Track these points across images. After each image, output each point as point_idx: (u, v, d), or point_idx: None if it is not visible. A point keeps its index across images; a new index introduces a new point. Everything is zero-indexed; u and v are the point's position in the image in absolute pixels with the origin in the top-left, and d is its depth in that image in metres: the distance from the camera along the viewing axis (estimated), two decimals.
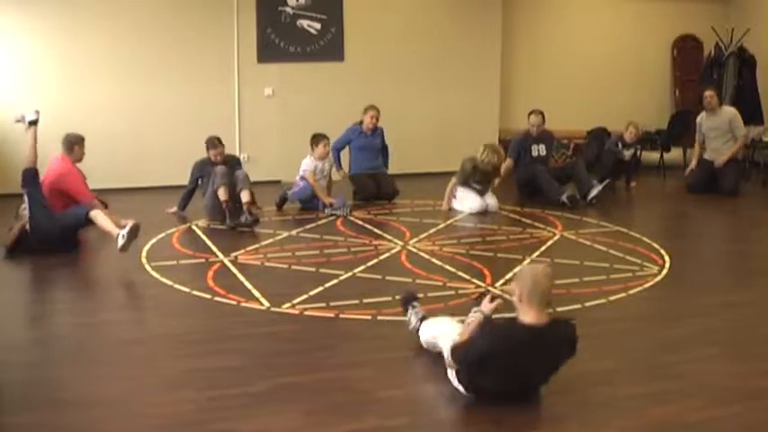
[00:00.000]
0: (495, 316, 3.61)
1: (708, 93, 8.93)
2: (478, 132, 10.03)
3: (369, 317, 4.66)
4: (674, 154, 10.05)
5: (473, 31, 9.94)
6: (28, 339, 4.44)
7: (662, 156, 10.08)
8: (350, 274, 5.54)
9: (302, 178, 7.71)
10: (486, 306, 3.63)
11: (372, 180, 8.23)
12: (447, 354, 3.55)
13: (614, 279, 5.49)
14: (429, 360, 4.03)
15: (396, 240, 6.51)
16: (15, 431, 3.29)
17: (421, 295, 4.98)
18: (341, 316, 4.68)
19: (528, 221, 7.28)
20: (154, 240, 6.44)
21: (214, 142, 7.30)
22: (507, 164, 8.32)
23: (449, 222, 7.27)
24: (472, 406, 3.50)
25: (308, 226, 7.07)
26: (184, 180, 7.51)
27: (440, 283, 5.32)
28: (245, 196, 6.96)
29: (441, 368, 3.78)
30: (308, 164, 7.74)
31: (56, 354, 4.20)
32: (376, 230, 6.88)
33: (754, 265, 6.31)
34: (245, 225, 6.80)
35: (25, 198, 6.06)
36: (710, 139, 8.89)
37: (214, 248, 6.24)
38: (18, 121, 6.40)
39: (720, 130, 8.78)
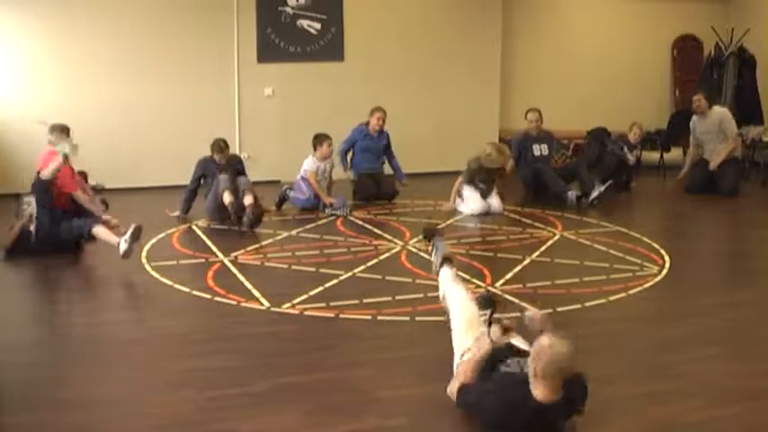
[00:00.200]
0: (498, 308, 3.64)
1: (696, 97, 8.97)
2: (478, 132, 10.03)
3: (369, 317, 4.66)
4: (674, 154, 10.05)
5: (473, 31, 9.94)
6: (28, 339, 4.44)
7: (662, 156, 10.09)
8: (350, 274, 5.54)
9: (303, 179, 7.70)
10: (497, 335, 3.50)
11: (372, 180, 8.22)
12: (451, 384, 3.46)
13: (614, 279, 5.49)
14: (429, 360, 4.03)
15: (396, 240, 6.51)
16: (15, 431, 3.29)
17: (421, 295, 5.00)
18: (341, 316, 4.68)
19: (528, 221, 7.28)
20: (154, 240, 6.44)
21: (221, 146, 7.22)
22: (509, 164, 8.33)
23: (449, 222, 7.27)
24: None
25: (308, 226, 7.07)
26: (184, 180, 7.51)
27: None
28: (248, 200, 6.90)
29: (441, 368, 3.79)
30: (309, 164, 7.73)
31: (56, 354, 4.21)
32: (376, 230, 6.88)
33: (754, 265, 6.31)
34: (249, 224, 6.74)
35: (33, 201, 6.01)
36: (705, 141, 8.91)
37: (214, 248, 6.24)
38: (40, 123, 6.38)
39: (713, 133, 8.79)
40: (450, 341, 3.77)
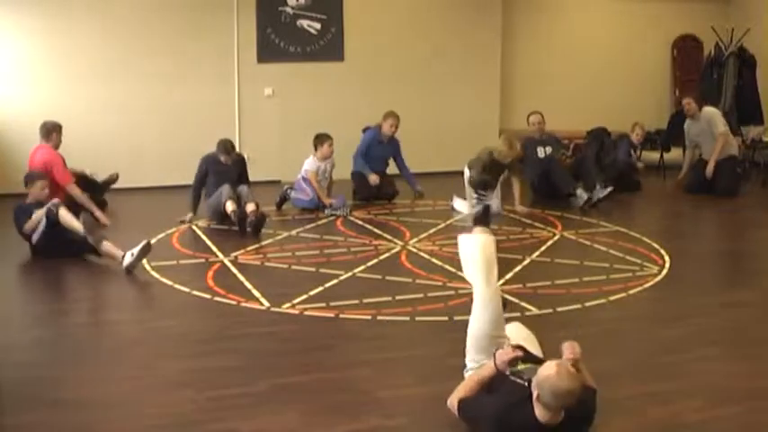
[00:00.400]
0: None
1: (685, 100, 9.02)
2: (478, 132, 10.02)
3: (369, 317, 4.66)
4: (674, 154, 10.04)
5: (473, 32, 9.94)
6: (28, 339, 4.44)
7: (662, 156, 10.08)
8: (350, 274, 5.54)
9: (304, 179, 7.70)
10: (502, 359, 3.30)
11: (360, 180, 8.21)
12: (452, 397, 3.35)
13: (614, 279, 5.49)
14: (429, 360, 4.04)
15: (396, 240, 6.51)
16: (15, 431, 3.29)
17: (421, 295, 5.00)
18: (341, 316, 4.68)
19: (528, 221, 7.28)
20: (154, 240, 6.42)
21: (227, 148, 7.16)
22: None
23: (449, 222, 7.27)
24: None
25: (308, 226, 7.06)
26: (184, 180, 7.51)
27: (440, 283, 5.32)
28: (250, 207, 6.86)
29: (441, 368, 3.79)
30: (310, 164, 7.73)
31: (56, 354, 4.20)
32: (376, 230, 6.88)
33: (754, 265, 6.31)
34: (252, 225, 6.67)
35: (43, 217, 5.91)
36: (701, 142, 8.92)
37: (214, 248, 6.23)
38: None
39: (706, 134, 8.81)
40: (450, 340, 3.76)
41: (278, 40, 9.20)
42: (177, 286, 5.25)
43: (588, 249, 6.34)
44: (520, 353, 3.32)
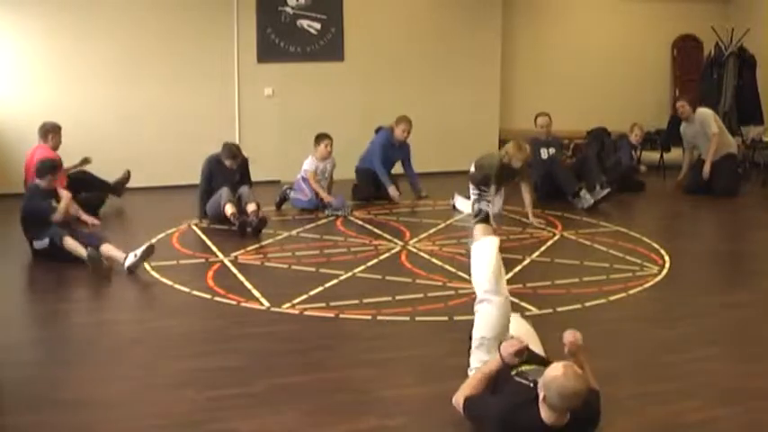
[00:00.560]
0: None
1: (679, 104, 9.03)
2: (479, 132, 10.03)
3: (369, 317, 4.66)
4: (674, 154, 10.04)
5: (473, 31, 9.93)
6: (28, 339, 4.45)
7: (662, 156, 10.08)
8: (350, 274, 5.54)
9: (304, 179, 7.70)
10: (507, 351, 3.30)
11: (374, 178, 8.20)
12: (457, 394, 3.34)
13: (614, 279, 5.49)
14: (429, 360, 4.03)
15: (396, 240, 6.51)
16: (15, 431, 3.30)
17: (421, 295, 5.00)
18: (341, 316, 4.68)
19: (528, 221, 7.28)
20: (154, 240, 6.42)
21: (233, 152, 7.09)
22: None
23: (449, 222, 7.27)
24: None
25: (308, 226, 7.06)
26: (184, 180, 7.50)
27: (440, 283, 5.32)
28: (251, 208, 6.85)
29: (441, 368, 3.78)
30: (309, 164, 7.73)
31: (56, 354, 4.21)
32: (376, 230, 6.88)
33: (753, 266, 6.31)
34: (253, 227, 6.65)
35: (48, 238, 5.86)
36: (698, 144, 8.92)
37: (214, 248, 6.23)
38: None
39: (700, 136, 8.81)
40: (450, 340, 3.76)
41: (278, 40, 9.20)
42: (177, 286, 5.25)
43: (588, 249, 6.34)
44: (525, 343, 3.32)
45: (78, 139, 7.70)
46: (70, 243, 5.69)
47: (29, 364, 4.00)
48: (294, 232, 6.83)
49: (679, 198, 8.80)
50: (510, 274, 5.51)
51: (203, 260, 5.91)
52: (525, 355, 3.29)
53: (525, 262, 5.88)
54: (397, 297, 5.00)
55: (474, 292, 3.64)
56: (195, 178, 7.33)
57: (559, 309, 4.80)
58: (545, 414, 2.96)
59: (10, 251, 6.14)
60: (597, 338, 4.35)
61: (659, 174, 9.90)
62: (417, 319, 4.66)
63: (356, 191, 8.29)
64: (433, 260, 5.94)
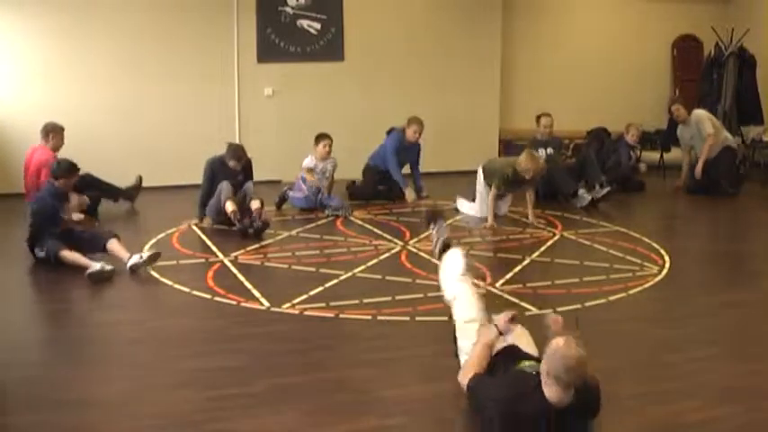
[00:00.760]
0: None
1: (674, 107, 9.06)
2: (479, 133, 10.04)
3: (369, 317, 4.66)
4: (674, 154, 10.04)
5: (473, 31, 9.94)
6: (29, 339, 4.45)
7: (662, 156, 10.09)
8: (350, 274, 5.54)
9: (303, 179, 7.70)
10: (502, 324, 3.41)
11: (379, 177, 8.19)
12: (460, 374, 3.40)
13: (614, 279, 5.49)
14: (429, 360, 4.03)
15: (396, 240, 6.51)
16: (15, 431, 3.30)
17: (421, 295, 5.00)
18: (341, 316, 4.68)
19: (528, 221, 7.27)
20: (153, 240, 6.43)
21: (239, 154, 6.99)
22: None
23: (449, 222, 7.26)
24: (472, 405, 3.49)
25: (308, 226, 7.06)
26: (184, 180, 7.49)
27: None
28: (255, 204, 6.79)
29: (440, 368, 3.78)
30: (307, 162, 7.73)
31: (56, 354, 4.21)
32: (376, 230, 6.88)
33: (753, 265, 6.31)
34: (255, 230, 6.61)
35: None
36: (695, 146, 8.93)
37: (214, 248, 6.23)
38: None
39: (697, 137, 8.84)
40: (450, 340, 3.76)
41: (278, 40, 9.20)
42: (177, 286, 5.25)
43: (588, 249, 6.34)
44: (515, 312, 3.49)
45: (78, 139, 7.69)
46: (67, 256, 5.62)
47: (29, 365, 4.00)
48: (294, 232, 6.83)
49: (679, 198, 8.81)
50: (510, 274, 5.53)
51: (203, 260, 5.91)
52: (517, 320, 3.46)
53: (525, 262, 5.88)
54: (397, 297, 5.00)
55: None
56: (195, 178, 7.33)
57: (559, 309, 4.79)
58: (549, 392, 2.98)
59: (10, 251, 6.14)
60: (597, 338, 4.35)
61: (659, 174, 9.91)
62: (417, 319, 4.66)
63: (354, 190, 8.29)
64: (433, 260, 5.92)
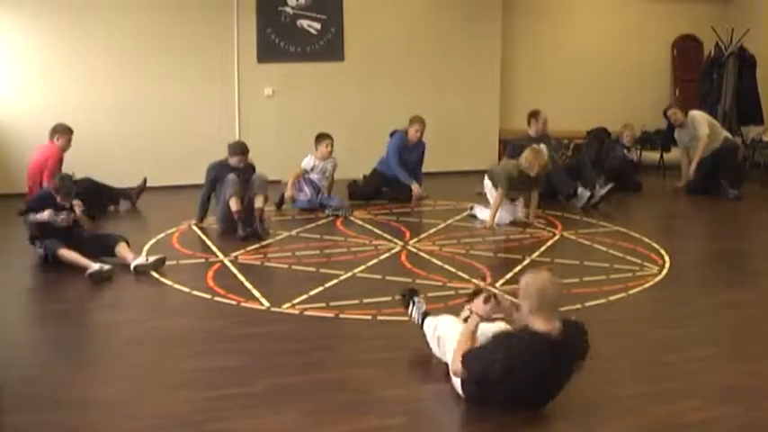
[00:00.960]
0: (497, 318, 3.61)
1: (671, 111, 9.10)
2: (478, 132, 10.05)
3: (369, 317, 4.66)
4: (674, 154, 10.05)
5: (473, 31, 9.94)
6: (29, 339, 4.44)
7: (662, 156, 10.09)
8: (350, 274, 5.54)
9: (305, 179, 7.69)
10: (480, 307, 3.51)
11: (382, 180, 8.19)
12: (452, 362, 3.46)
13: (614, 279, 5.49)
14: (429, 360, 4.03)
15: (396, 240, 6.51)
16: (15, 431, 3.29)
17: (421, 296, 4.99)
18: (341, 316, 4.68)
19: (528, 221, 7.27)
20: (153, 240, 6.43)
21: (242, 149, 6.83)
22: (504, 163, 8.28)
23: (449, 222, 7.26)
24: (471, 405, 3.49)
25: (308, 226, 7.06)
26: (184, 180, 7.48)
27: (440, 283, 5.32)
28: (258, 202, 6.65)
29: (440, 368, 3.78)
30: (306, 162, 7.73)
31: (56, 354, 4.20)
32: (376, 230, 6.88)
33: (754, 265, 6.31)
34: (257, 236, 6.48)
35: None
36: (693, 147, 8.94)
37: (214, 248, 6.23)
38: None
39: (695, 139, 8.84)
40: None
41: (278, 40, 9.20)
42: (177, 286, 5.25)
43: (588, 249, 6.34)
44: (488, 292, 3.61)
45: (77, 139, 7.68)
46: (66, 255, 5.60)
47: (29, 365, 4.00)
48: (294, 232, 6.83)
49: (679, 198, 8.81)
50: (510, 274, 5.53)
51: (203, 260, 5.91)
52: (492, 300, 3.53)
53: (525, 262, 5.88)
54: (397, 297, 4.99)
55: (469, 293, 3.73)
56: (195, 178, 7.32)
57: (560, 309, 4.78)
58: (538, 325, 3.20)
59: (10, 251, 6.14)
60: (597, 338, 4.34)
61: (659, 174, 9.91)
62: None
63: (356, 189, 8.29)
64: (433, 260, 5.94)
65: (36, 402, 3.52)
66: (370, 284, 5.32)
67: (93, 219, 6.41)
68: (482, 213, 7.32)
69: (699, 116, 8.92)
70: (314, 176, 7.74)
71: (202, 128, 8.81)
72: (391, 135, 8.38)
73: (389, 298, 4.97)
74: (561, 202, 7.99)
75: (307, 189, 7.68)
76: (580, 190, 7.95)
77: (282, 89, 9.26)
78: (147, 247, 6.18)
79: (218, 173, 6.78)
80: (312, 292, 5.07)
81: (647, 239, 6.59)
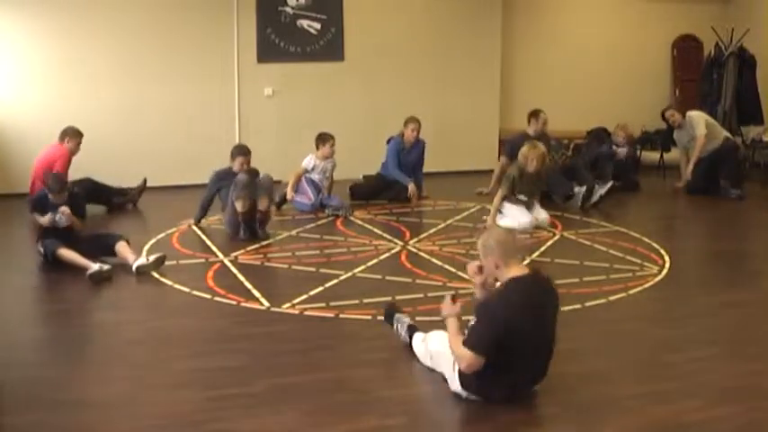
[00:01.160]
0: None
1: (669, 113, 9.12)
2: (478, 132, 10.05)
3: (369, 317, 4.66)
4: (674, 154, 10.05)
5: (473, 31, 9.94)
6: (28, 339, 4.44)
7: (662, 156, 10.09)
8: (350, 274, 5.54)
9: (306, 180, 7.68)
10: (451, 308, 3.59)
11: (382, 182, 8.18)
12: (456, 358, 3.45)
13: (614, 279, 5.49)
14: None
15: (396, 240, 6.51)
16: (15, 431, 3.29)
17: (421, 295, 4.99)
18: (341, 316, 4.68)
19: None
20: (153, 240, 6.43)
21: (245, 150, 6.76)
22: (502, 162, 8.29)
23: (449, 222, 7.26)
24: (471, 405, 3.50)
25: (308, 226, 7.06)
26: (183, 180, 7.48)
27: (440, 283, 5.32)
28: (262, 203, 6.56)
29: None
30: (307, 161, 7.73)
31: (56, 354, 4.21)
32: (376, 230, 6.88)
33: (753, 266, 6.31)
34: (256, 237, 6.46)
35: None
36: (693, 147, 8.93)
37: (214, 248, 6.23)
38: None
39: (694, 139, 8.84)
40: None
41: (278, 40, 9.20)
42: (177, 286, 5.25)
43: (588, 249, 6.34)
44: (452, 292, 3.80)
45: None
46: (65, 255, 5.59)
47: (29, 365, 4.00)
48: (294, 232, 6.83)
49: (679, 198, 8.81)
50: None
51: (203, 260, 5.91)
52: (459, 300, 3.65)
53: (525, 262, 5.87)
54: (397, 297, 5.00)
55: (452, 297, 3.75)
56: (196, 178, 7.34)
57: (560, 308, 4.79)
58: (513, 272, 3.39)
59: (11, 251, 6.14)
60: (597, 338, 4.36)
61: (659, 174, 9.91)
62: (417, 318, 4.63)
63: (358, 189, 8.29)
64: (433, 260, 5.94)
65: (36, 402, 3.52)
66: (370, 284, 5.32)
67: (83, 218, 6.45)
68: (504, 220, 6.94)
69: (696, 116, 8.93)
70: (315, 176, 7.74)
71: (202, 128, 8.81)
72: (388, 142, 8.37)
73: (389, 298, 4.97)
74: (558, 203, 7.98)
75: (308, 189, 7.67)
76: (576, 189, 7.95)
77: (282, 89, 9.27)
78: (147, 247, 6.18)
79: (222, 181, 6.69)
80: (312, 292, 5.07)
81: (647, 239, 6.59)
